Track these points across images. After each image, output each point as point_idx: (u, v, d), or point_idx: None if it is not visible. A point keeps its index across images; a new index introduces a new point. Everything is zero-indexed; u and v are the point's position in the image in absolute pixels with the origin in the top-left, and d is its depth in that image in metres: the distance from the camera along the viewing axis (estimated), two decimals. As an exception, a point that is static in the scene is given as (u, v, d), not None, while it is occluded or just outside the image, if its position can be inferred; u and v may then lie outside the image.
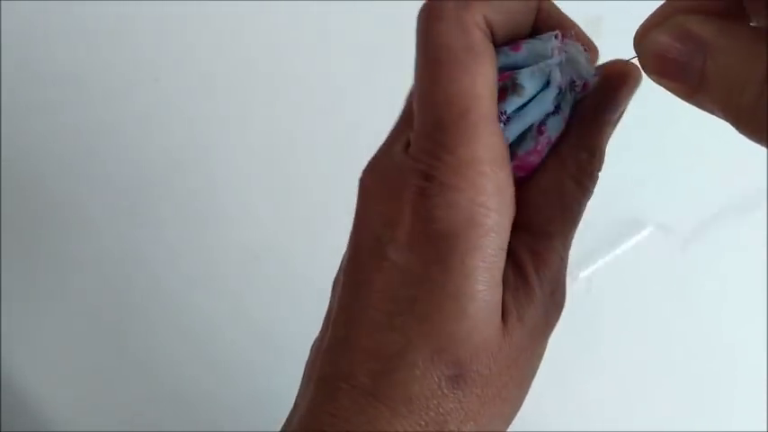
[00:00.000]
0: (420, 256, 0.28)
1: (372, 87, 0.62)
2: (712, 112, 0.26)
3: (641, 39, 0.27)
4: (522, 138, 0.30)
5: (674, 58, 0.26)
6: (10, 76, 0.66)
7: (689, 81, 0.25)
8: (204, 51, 0.66)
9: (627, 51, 0.29)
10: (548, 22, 0.31)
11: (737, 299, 0.60)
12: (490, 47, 0.29)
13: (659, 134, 0.61)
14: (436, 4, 0.29)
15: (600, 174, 0.31)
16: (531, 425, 0.59)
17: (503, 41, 0.30)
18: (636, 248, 0.61)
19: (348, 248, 0.31)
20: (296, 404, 0.31)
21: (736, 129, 0.25)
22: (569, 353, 0.60)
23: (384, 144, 0.31)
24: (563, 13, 0.31)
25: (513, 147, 0.30)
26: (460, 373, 0.28)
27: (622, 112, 0.31)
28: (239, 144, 0.65)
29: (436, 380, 0.28)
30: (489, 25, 0.29)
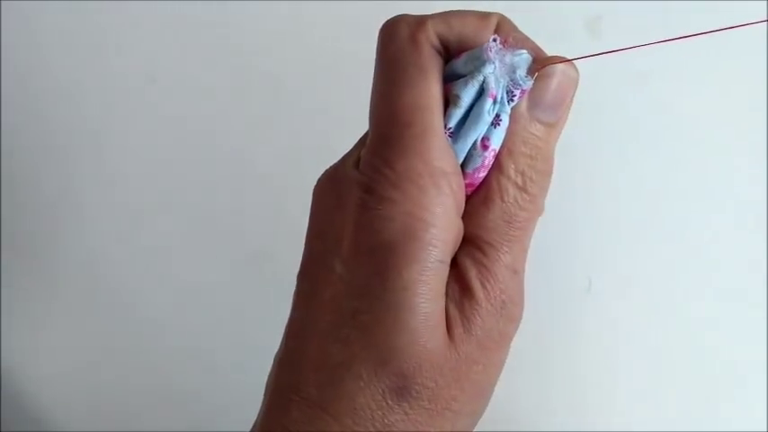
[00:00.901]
0: (361, 268, 0.29)
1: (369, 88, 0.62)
2: None
3: None
4: (468, 155, 0.30)
5: None
6: (9, 76, 0.66)
7: None
8: (203, 51, 0.66)
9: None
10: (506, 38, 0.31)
11: (738, 297, 0.60)
12: (438, 62, 0.30)
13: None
14: (392, 23, 0.30)
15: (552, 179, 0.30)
16: (528, 424, 0.59)
17: None
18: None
19: (302, 257, 0.32)
20: (257, 416, 0.32)
21: None
22: (568, 352, 0.60)
23: (343, 156, 0.32)
24: (518, 30, 0.31)
25: (463, 166, 0.30)
26: (404, 385, 0.28)
27: (563, 114, 0.30)
28: (238, 144, 0.65)
29: (380, 391, 0.28)
30: (444, 42, 0.30)
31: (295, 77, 0.65)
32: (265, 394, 0.31)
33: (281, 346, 0.32)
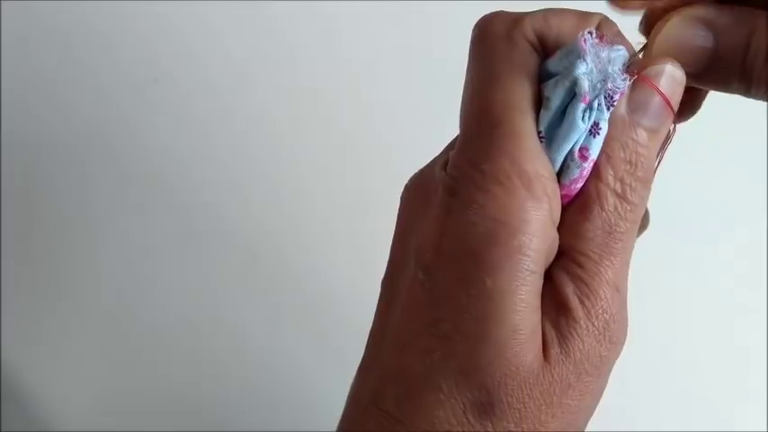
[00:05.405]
0: (444, 274, 0.27)
1: (369, 90, 0.62)
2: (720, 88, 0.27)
3: (660, 36, 0.27)
4: (565, 165, 0.28)
5: (691, 44, 0.27)
6: (10, 77, 0.66)
7: (702, 62, 0.27)
8: (204, 51, 0.66)
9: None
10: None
11: (738, 296, 0.60)
12: (534, 61, 0.28)
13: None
14: (487, 19, 0.29)
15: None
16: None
17: None
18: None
19: (387, 263, 0.30)
20: (338, 423, 0.30)
21: (748, 94, 0.27)
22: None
23: (433, 158, 0.30)
24: (620, 31, 0.29)
25: (559, 176, 0.28)
26: (488, 401, 0.26)
27: (666, 119, 0.28)
28: (239, 144, 0.65)
29: (461, 405, 0.26)
30: (543, 41, 0.28)
31: (296, 78, 0.65)
32: (347, 401, 0.30)
33: (364, 353, 0.30)
